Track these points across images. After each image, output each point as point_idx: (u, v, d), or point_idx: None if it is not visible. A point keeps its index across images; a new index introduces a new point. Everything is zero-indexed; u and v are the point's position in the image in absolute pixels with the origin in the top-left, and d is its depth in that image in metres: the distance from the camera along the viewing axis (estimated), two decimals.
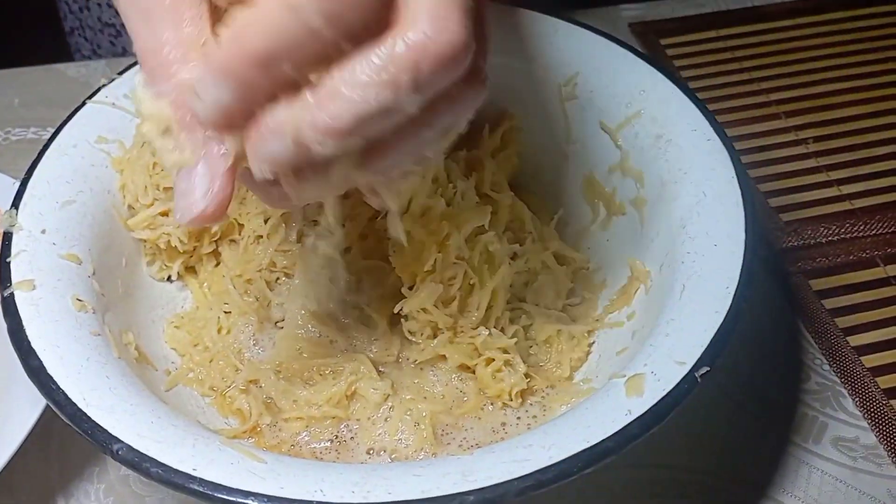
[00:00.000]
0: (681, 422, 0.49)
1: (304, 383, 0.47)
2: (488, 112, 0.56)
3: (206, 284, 0.52)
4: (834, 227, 0.62)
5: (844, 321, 0.56)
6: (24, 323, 0.40)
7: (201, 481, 0.34)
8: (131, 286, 0.49)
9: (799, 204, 0.64)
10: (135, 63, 0.51)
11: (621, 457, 0.35)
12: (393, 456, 0.45)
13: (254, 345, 0.50)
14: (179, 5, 0.31)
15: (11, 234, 0.44)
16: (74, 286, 0.43)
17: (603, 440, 0.35)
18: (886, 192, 0.65)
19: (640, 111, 0.50)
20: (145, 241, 0.50)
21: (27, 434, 0.44)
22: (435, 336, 0.47)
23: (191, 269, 0.53)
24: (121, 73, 0.52)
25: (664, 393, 0.37)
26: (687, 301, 0.41)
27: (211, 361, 0.48)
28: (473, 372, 0.47)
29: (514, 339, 0.47)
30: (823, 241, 0.61)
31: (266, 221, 0.51)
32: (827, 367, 0.54)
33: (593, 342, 0.50)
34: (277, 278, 0.51)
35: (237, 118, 0.29)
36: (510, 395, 0.46)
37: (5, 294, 0.41)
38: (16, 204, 0.45)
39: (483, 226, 0.47)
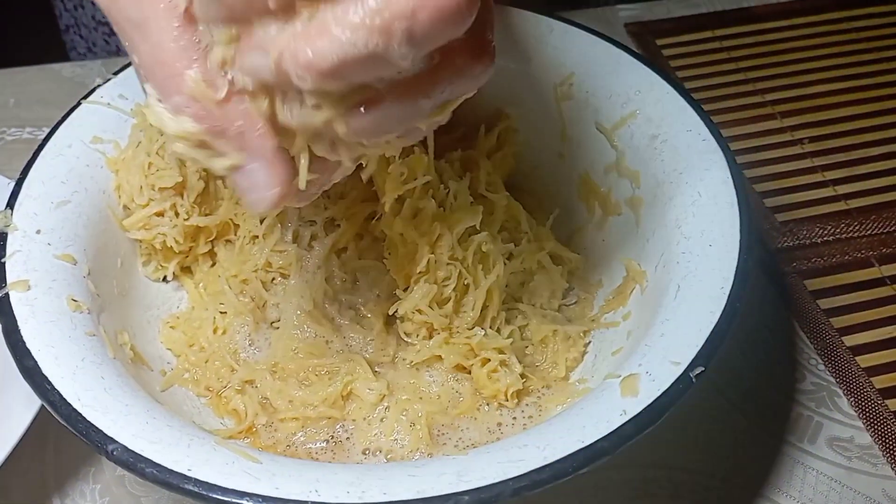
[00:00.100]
0: (676, 422, 0.49)
1: (300, 384, 0.47)
2: (484, 112, 0.56)
3: (201, 285, 0.52)
4: (829, 228, 0.62)
5: (839, 321, 0.56)
6: (19, 323, 0.40)
7: (196, 482, 0.34)
8: (127, 286, 0.49)
9: (794, 204, 0.64)
10: (129, 63, 0.51)
11: (616, 457, 0.35)
12: (388, 456, 0.45)
13: (249, 345, 0.50)
14: (173, 10, 0.30)
15: (6, 234, 0.43)
16: (70, 286, 0.43)
17: (598, 440, 0.35)
18: (881, 192, 0.65)
19: (635, 111, 0.50)
20: (141, 241, 0.50)
21: (22, 434, 0.43)
22: (431, 337, 0.47)
23: (186, 270, 0.53)
24: (116, 73, 0.52)
25: (659, 393, 0.37)
26: (682, 301, 0.41)
27: (206, 362, 0.48)
28: (469, 372, 0.47)
29: (510, 340, 0.47)
30: (818, 241, 0.61)
31: (262, 222, 0.51)
32: (822, 367, 0.54)
33: (589, 342, 0.50)
34: (273, 279, 0.51)
35: (233, 12, 0.28)
36: (506, 395, 0.46)
37: (0, 294, 0.41)
38: (11, 204, 0.45)
39: (475, 226, 0.47)
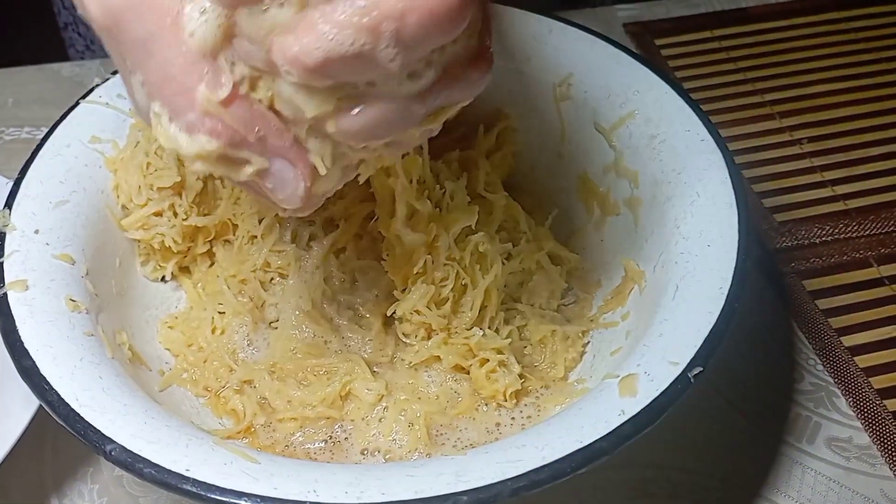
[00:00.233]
0: (674, 422, 0.49)
1: (299, 384, 0.47)
2: (483, 112, 0.56)
3: (200, 285, 0.52)
4: (828, 228, 0.62)
5: (838, 321, 0.56)
6: (18, 323, 0.40)
7: (195, 482, 0.34)
8: (125, 286, 0.49)
9: (793, 204, 0.64)
10: None
11: (615, 457, 0.35)
12: (387, 456, 0.45)
13: (248, 345, 0.50)
14: (179, 25, 0.29)
15: (5, 233, 0.43)
16: (68, 286, 0.43)
17: (596, 440, 0.35)
18: (880, 192, 0.65)
19: (634, 112, 0.50)
20: (139, 241, 0.50)
21: (20, 435, 0.43)
22: (429, 337, 0.47)
23: (185, 270, 0.53)
24: (114, 73, 0.52)
25: (657, 393, 0.37)
26: (680, 301, 0.41)
27: (205, 362, 0.48)
28: (468, 372, 0.47)
29: (509, 340, 0.47)
30: (817, 241, 0.61)
31: (260, 222, 0.51)
32: (820, 367, 0.54)
33: (588, 342, 0.50)
34: (272, 279, 0.51)
35: None
36: (504, 395, 0.46)
37: None
38: (9, 204, 0.45)
39: (472, 226, 0.47)
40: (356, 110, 0.29)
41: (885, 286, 0.58)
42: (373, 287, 0.50)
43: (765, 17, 0.79)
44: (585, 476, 0.35)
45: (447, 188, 0.48)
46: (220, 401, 0.47)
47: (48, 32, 0.87)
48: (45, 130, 0.49)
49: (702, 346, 0.38)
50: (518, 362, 0.47)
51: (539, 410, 0.47)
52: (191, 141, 0.30)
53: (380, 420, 0.46)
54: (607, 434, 0.35)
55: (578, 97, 0.53)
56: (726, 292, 0.40)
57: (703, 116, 0.48)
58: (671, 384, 0.37)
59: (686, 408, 0.48)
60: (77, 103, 0.50)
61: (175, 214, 0.50)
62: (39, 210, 0.45)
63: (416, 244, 0.45)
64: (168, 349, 0.49)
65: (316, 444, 0.46)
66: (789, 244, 0.61)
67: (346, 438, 0.46)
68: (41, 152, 0.48)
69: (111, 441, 0.35)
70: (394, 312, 0.47)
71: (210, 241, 0.52)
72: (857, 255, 0.60)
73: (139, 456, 0.35)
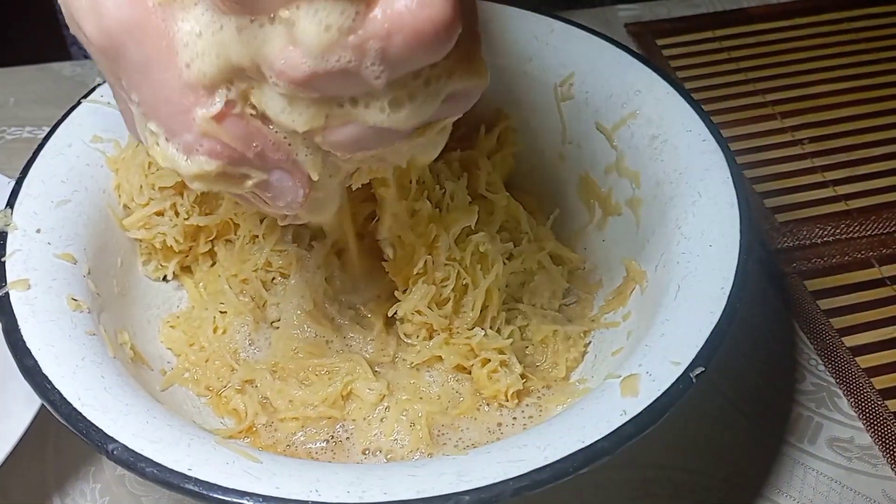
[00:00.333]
0: (676, 422, 0.50)
1: (300, 383, 0.47)
2: (484, 112, 0.56)
3: (201, 284, 0.52)
4: (829, 228, 0.62)
5: (839, 322, 0.56)
6: (19, 322, 0.40)
7: (196, 481, 0.34)
8: (127, 286, 0.49)
9: (794, 204, 0.64)
10: None
11: (616, 457, 0.35)
12: (388, 456, 0.45)
13: (249, 345, 0.50)
14: (173, 43, 0.29)
15: (6, 233, 0.43)
16: (70, 286, 0.43)
17: (598, 440, 0.35)
18: (882, 192, 0.65)
19: (635, 112, 0.50)
20: (141, 240, 0.50)
21: (22, 434, 0.43)
22: (431, 337, 0.47)
23: (187, 269, 0.53)
24: None
25: (659, 393, 0.37)
26: (682, 301, 0.41)
27: (207, 361, 0.48)
28: (469, 373, 0.48)
29: (510, 340, 0.47)
30: (819, 241, 0.61)
31: (262, 221, 0.51)
32: (822, 367, 0.54)
33: (589, 342, 0.50)
34: (273, 278, 0.51)
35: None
36: (506, 395, 0.46)
37: (0, 294, 0.41)
38: (11, 203, 0.45)
39: (472, 226, 0.47)
40: (342, 122, 0.29)
41: (887, 286, 0.58)
42: (374, 287, 0.50)
43: (766, 17, 0.79)
44: (587, 476, 0.35)
45: (447, 188, 0.48)
46: (221, 400, 0.47)
47: (49, 32, 0.87)
48: (47, 130, 0.49)
49: (703, 346, 0.38)
50: (520, 362, 0.47)
51: (541, 410, 0.47)
52: (190, 162, 0.30)
53: (381, 420, 0.46)
54: (609, 434, 0.35)
55: (580, 97, 0.53)
56: (728, 292, 0.40)
57: (705, 116, 0.48)
58: (673, 384, 0.37)
59: (688, 408, 0.48)
60: (78, 103, 0.50)
61: (177, 214, 0.50)
62: (41, 209, 0.45)
63: (409, 246, 0.45)
64: (170, 349, 0.49)
65: (317, 444, 0.46)
66: (791, 244, 0.61)
67: (348, 438, 0.46)
68: (43, 152, 0.48)
69: (113, 440, 0.35)
70: (395, 313, 0.47)
71: (212, 241, 0.52)
72: (859, 256, 0.60)
73: (141, 455, 0.35)
